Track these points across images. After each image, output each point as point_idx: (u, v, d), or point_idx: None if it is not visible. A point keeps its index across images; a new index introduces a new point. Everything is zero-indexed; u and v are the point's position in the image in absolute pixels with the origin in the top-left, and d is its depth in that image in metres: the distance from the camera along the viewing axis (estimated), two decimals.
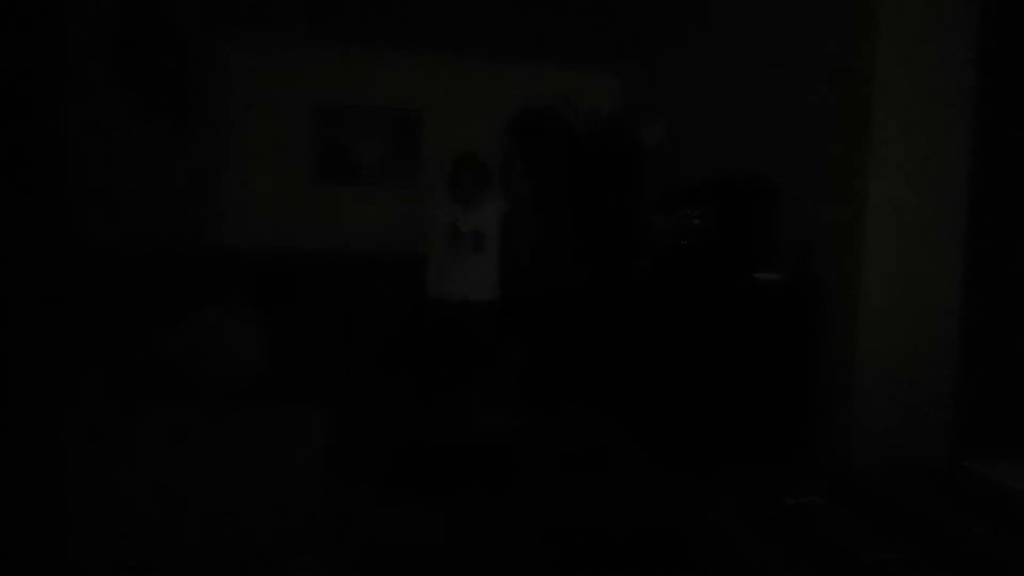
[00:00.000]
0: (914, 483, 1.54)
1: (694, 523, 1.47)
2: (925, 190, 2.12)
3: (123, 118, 2.54)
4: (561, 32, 3.75)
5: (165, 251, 2.76)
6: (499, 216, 3.11)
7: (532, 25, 3.65)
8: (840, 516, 1.34)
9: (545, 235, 3.89)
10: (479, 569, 1.81)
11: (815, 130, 2.37)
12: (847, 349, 2.15)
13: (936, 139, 2.12)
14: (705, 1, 3.17)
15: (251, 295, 2.61)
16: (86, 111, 2.18)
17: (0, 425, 1.65)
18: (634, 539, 1.94)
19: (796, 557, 1.18)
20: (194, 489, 1.73)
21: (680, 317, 2.61)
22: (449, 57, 4.27)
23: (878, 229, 2.10)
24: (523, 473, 2.47)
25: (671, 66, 3.77)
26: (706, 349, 2.39)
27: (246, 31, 3.90)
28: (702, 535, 1.40)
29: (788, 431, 2.26)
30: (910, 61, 2.09)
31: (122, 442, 1.72)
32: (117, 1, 2.40)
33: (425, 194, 3.73)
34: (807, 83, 2.43)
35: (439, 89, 4.30)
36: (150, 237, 2.83)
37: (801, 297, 2.26)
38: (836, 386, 2.19)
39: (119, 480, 1.69)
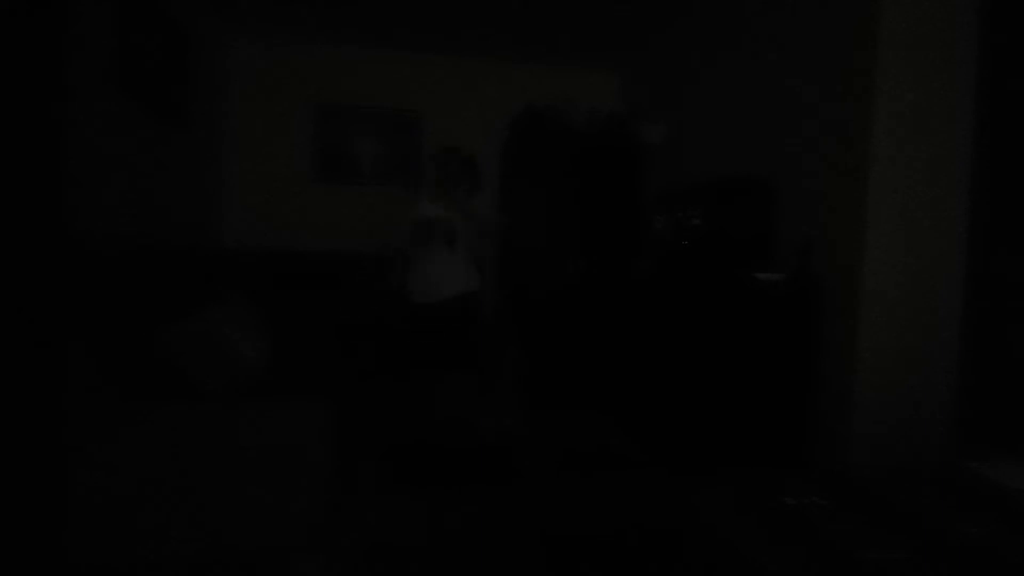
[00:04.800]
0: (914, 483, 1.54)
1: (693, 523, 1.47)
2: (925, 190, 2.12)
3: (123, 118, 2.54)
4: (561, 32, 3.75)
5: (165, 251, 2.76)
6: (478, 216, 3.05)
7: (532, 25, 3.65)
8: (840, 516, 1.34)
9: (546, 234, 3.89)
10: (479, 568, 1.82)
11: (815, 130, 2.36)
12: (847, 349, 2.15)
13: (936, 139, 2.12)
14: (705, 1, 3.17)
15: (251, 295, 2.61)
16: (86, 112, 2.18)
17: (0, 425, 1.65)
18: (633, 539, 1.94)
19: (796, 557, 1.18)
20: (194, 489, 1.73)
21: (681, 316, 2.61)
22: (449, 57, 4.27)
23: (878, 229, 2.10)
24: (523, 472, 2.47)
25: (671, 65, 3.77)
26: (706, 348, 2.39)
27: (246, 31, 3.90)
28: (701, 535, 1.40)
29: (788, 431, 2.26)
30: (910, 61, 2.09)
31: (122, 442, 1.72)
32: (117, 2, 2.40)
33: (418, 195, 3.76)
34: (807, 83, 2.43)
35: (439, 89, 4.30)
36: (150, 237, 2.83)
37: (801, 297, 2.26)
38: (836, 386, 2.19)
39: (119, 480, 1.69)
